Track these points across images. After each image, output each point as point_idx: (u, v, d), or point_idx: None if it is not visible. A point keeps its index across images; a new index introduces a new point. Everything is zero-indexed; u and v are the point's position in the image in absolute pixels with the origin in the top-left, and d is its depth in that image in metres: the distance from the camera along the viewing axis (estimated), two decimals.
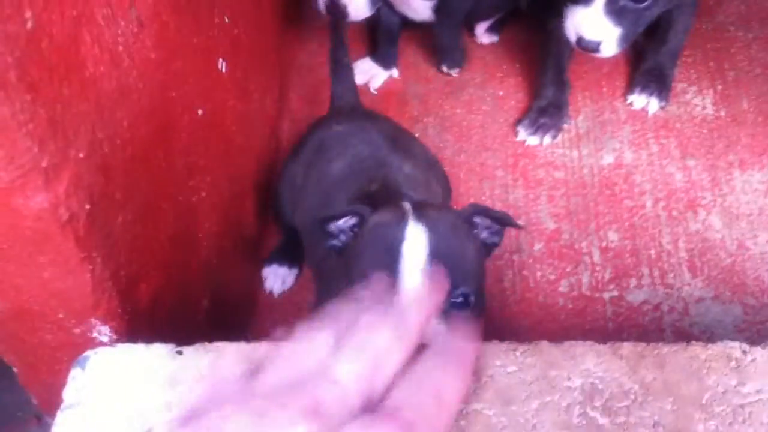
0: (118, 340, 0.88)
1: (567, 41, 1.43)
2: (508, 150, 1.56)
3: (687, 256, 1.38)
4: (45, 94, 0.67)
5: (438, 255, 0.91)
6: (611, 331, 1.31)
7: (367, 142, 1.25)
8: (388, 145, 1.25)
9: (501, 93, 1.66)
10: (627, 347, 0.84)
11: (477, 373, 0.82)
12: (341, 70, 1.43)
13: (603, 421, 0.77)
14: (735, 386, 0.80)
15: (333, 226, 1.00)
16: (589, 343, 0.85)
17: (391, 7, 1.62)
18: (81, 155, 0.73)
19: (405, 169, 1.21)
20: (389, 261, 0.90)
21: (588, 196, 1.48)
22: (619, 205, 1.46)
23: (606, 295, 1.35)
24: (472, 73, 1.69)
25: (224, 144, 1.18)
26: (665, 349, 0.83)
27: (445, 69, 1.69)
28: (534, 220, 1.45)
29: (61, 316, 0.85)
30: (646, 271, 1.37)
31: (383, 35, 1.67)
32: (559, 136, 1.56)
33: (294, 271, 1.39)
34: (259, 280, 1.39)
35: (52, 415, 0.79)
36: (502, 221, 1.03)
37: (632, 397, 0.79)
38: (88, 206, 0.76)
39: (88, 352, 0.85)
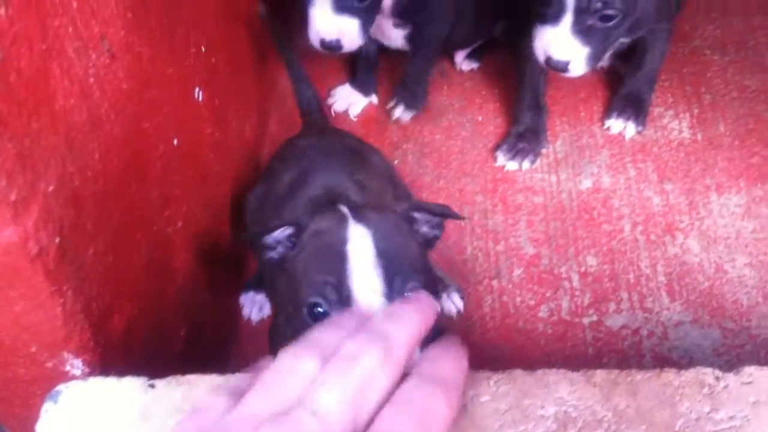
0: (91, 373, 0.87)
1: (542, 68, 1.44)
2: (487, 175, 1.56)
3: (665, 280, 1.39)
4: (13, 128, 0.67)
5: (383, 253, 0.90)
6: (591, 357, 1.31)
7: (320, 152, 1.25)
8: (340, 154, 1.26)
9: (480, 118, 1.67)
10: (600, 375, 0.84)
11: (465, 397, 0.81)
12: (299, 83, 1.44)
13: None
14: (708, 413, 0.80)
15: (269, 239, 0.99)
16: (562, 371, 0.85)
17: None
18: (50, 188, 0.73)
19: (356, 177, 1.20)
20: (336, 265, 0.89)
21: (567, 221, 1.48)
22: (597, 230, 1.46)
23: (585, 320, 1.35)
24: (451, 99, 1.70)
25: (201, 172, 1.18)
26: (638, 376, 0.84)
27: (397, 112, 1.66)
28: (513, 245, 1.46)
29: (33, 349, 0.85)
30: (625, 295, 1.37)
31: (362, 62, 1.68)
32: (538, 161, 1.57)
33: None
34: (239, 308, 1.38)
35: None
36: (440, 214, 1.02)
37: (605, 425, 0.79)
38: (58, 239, 0.75)
39: (60, 386, 0.84)
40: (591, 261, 1.42)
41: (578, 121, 1.64)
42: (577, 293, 1.38)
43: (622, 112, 1.60)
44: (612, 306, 1.36)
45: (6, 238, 0.70)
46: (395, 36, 1.61)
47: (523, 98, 1.58)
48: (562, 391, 0.83)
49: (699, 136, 1.59)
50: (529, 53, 1.44)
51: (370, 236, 0.91)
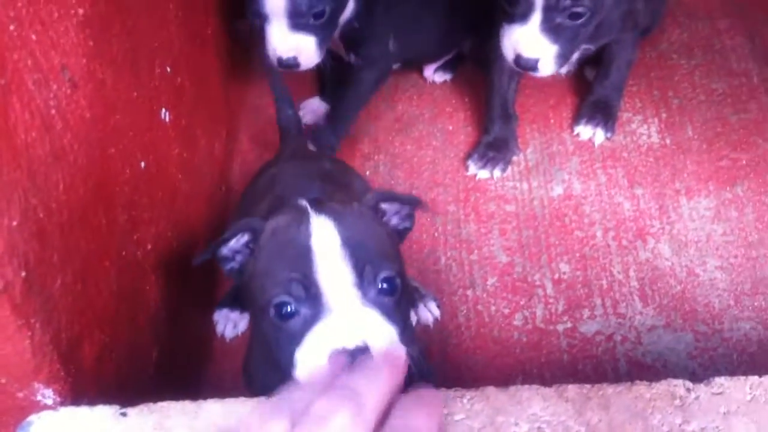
0: (62, 403, 0.86)
1: (510, 76, 1.45)
2: (459, 185, 1.57)
3: (638, 285, 1.40)
4: None
5: (350, 241, 0.86)
6: (566, 363, 1.32)
7: (296, 178, 1.23)
8: (305, 164, 1.25)
9: (450, 128, 1.68)
10: (572, 389, 0.84)
11: None
12: (281, 102, 1.43)
13: None
14: (680, 425, 0.81)
15: (226, 250, 0.95)
16: (535, 386, 0.85)
17: None
18: (14, 223, 0.73)
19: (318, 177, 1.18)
20: (300, 260, 0.85)
21: (539, 229, 1.49)
22: (569, 237, 1.47)
23: (560, 327, 1.36)
24: (422, 108, 1.71)
25: (170, 193, 1.17)
26: (610, 389, 0.84)
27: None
28: (487, 254, 1.46)
29: (3, 381, 0.84)
30: (598, 301, 1.38)
31: (329, 76, 1.67)
32: (509, 169, 1.58)
33: (246, 316, 1.38)
34: (213, 327, 1.38)
35: None
36: (408, 203, 0.98)
37: None
38: (23, 273, 0.75)
39: (32, 417, 0.84)
40: (564, 268, 1.43)
41: (548, 129, 1.65)
42: (551, 300, 1.39)
43: (591, 119, 1.61)
44: (586, 312, 1.37)
45: None
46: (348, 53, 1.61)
47: (493, 108, 1.59)
48: (535, 407, 0.83)
49: (668, 141, 1.61)
50: (497, 61, 1.45)
51: (333, 226, 0.87)
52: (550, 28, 1.35)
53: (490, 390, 0.85)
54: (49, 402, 0.86)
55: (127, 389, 0.99)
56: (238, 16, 1.54)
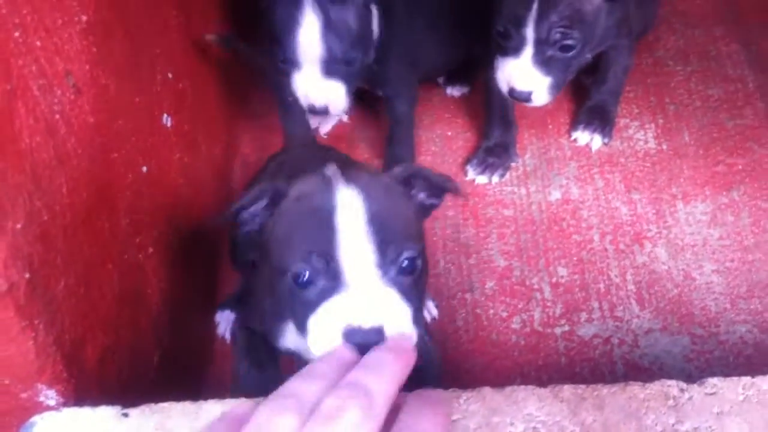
0: (65, 404, 0.87)
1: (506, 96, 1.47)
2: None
3: (635, 289, 1.41)
4: None
5: (375, 218, 0.83)
6: (564, 366, 1.33)
7: (301, 151, 1.23)
8: (316, 151, 1.25)
9: (449, 133, 1.69)
10: (567, 390, 0.85)
11: None
12: (289, 110, 1.42)
13: None
14: (673, 425, 0.82)
15: (245, 214, 0.93)
16: (531, 387, 0.86)
17: None
18: (18, 226, 0.74)
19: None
20: (323, 232, 0.83)
21: (537, 233, 1.50)
22: (567, 241, 1.49)
23: (558, 331, 1.37)
24: (420, 114, 1.71)
25: (172, 198, 1.18)
26: (605, 390, 0.85)
27: None
28: (485, 258, 1.47)
29: (6, 382, 0.85)
30: (595, 304, 1.39)
31: None
32: (507, 174, 1.59)
33: None
34: (214, 329, 1.39)
35: None
36: (439, 184, 0.96)
37: None
38: (27, 275, 0.76)
39: (35, 418, 0.85)
40: (562, 272, 1.44)
41: (546, 134, 1.67)
42: (548, 304, 1.40)
43: (588, 125, 1.62)
44: (583, 316, 1.38)
45: None
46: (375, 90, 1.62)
47: (493, 113, 1.61)
48: (531, 408, 0.84)
49: (664, 146, 1.62)
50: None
51: (360, 199, 0.85)
52: (543, 60, 1.39)
53: (486, 390, 0.86)
54: (52, 403, 0.87)
55: (129, 390, 1.00)
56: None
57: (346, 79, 1.40)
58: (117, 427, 0.83)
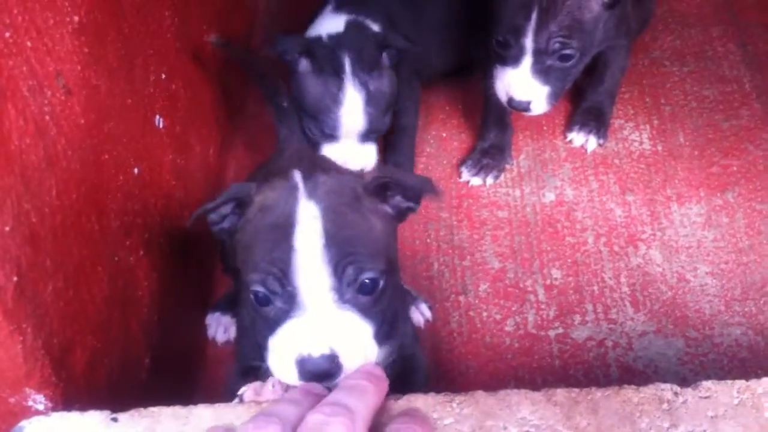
0: (54, 408, 0.87)
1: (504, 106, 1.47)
2: (452, 191, 1.58)
3: (629, 291, 1.40)
4: None
5: (335, 240, 0.84)
6: (558, 369, 1.33)
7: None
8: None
9: (444, 134, 1.68)
10: (561, 393, 0.85)
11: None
12: (284, 115, 1.40)
13: None
14: (667, 429, 0.81)
15: (215, 215, 0.94)
16: (524, 391, 0.86)
17: None
18: (6, 228, 0.73)
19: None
20: (281, 254, 0.84)
21: (531, 235, 1.50)
22: (561, 242, 1.48)
23: (552, 333, 1.36)
24: None
25: (163, 200, 1.18)
26: (598, 393, 0.85)
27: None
28: (479, 260, 1.47)
29: None
30: (589, 307, 1.39)
31: None
32: (501, 176, 1.59)
33: None
34: (206, 332, 1.38)
35: None
36: (414, 189, 0.94)
37: None
38: (15, 278, 0.75)
39: (23, 423, 0.84)
40: (556, 274, 1.44)
41: (541, 135, 1.66)
42: (542, 306, 1.40)
43: (583, 126, 1.62)
44: (577, 318, 1.38)
45: None
46: None
47: (489, 115, 1.60)
48: (524, 411, 0.84)
49: (659, 147, 1.62)
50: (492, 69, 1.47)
51: (321, 217, 0.85)
52: (541, 70, 1.41)
53: (479, 394, 0.86)
54: (41, 407, 0.87)
55: (119, 394, 0.99)
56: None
57: (376, 141, 1.45)
58: None
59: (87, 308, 0.92)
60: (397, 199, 0.95)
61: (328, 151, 1.42)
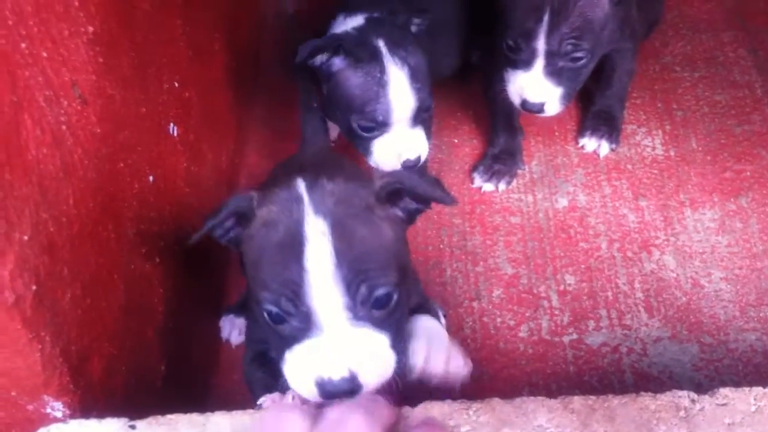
0: (71, 415, 0.87)
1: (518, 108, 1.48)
2: (465, 197, 1.58)
3: (643, 297, 1.40)
4: None
5: (346, 257, 0.83)
6: (572, 375, 1.32)
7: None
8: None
9: (456, 140, 1.68)
10: (578, 401, 0.85)
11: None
12: (309, 114, 1.40)
13: None
14: None
15: (220, 230, 0.94)
16: (540, 398, 0.86)
17: None
18: (25, 237, 0.74)
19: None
20: (291, 277, 0.83)
21: (544, 240, 1.49)
22: (574, 248, 1.48)
23: (566, 339, 1.36)
24: None
25: (178, 207, 1.18)
26: (615, 401, 0.85)
27: None
28: (492, 266, 1.47)
29: (13, 394, 0.85)
30: (603, 312, 1.39)
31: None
32: (514, 182, 1.59)
33: None
34: (220, 337, 1.39)
35: None
36: (425, 196, 0.94)
37: None
38: (34, 287, 0.76)
39: (41, 430, 0.85)
40: (569, 279, 1.43)
41: (553, 141, 1.66)
42: (556, 312, 1.39)
43: (595, 131, 1.62)
44: (591, 324, 1.38)
45: None
46: None
47: (496, 120, 1.61)
48: (541, 419, 0.84)
49: (672, 153, 1.61)
50: (499, 74, 1.47)
51: (328, 233, 0.83)
52: (554, 71, 1.41)
53: (496, 401, 0.86)
54: (59, 414, 0.87)
55: (136, 401, 1.00)
56: None
57: (425, 125, 1.39)
58: None
59: (104, 316, 0.92)
60: (407, 201, 0.94)
61: (382, 145, 1.36)
